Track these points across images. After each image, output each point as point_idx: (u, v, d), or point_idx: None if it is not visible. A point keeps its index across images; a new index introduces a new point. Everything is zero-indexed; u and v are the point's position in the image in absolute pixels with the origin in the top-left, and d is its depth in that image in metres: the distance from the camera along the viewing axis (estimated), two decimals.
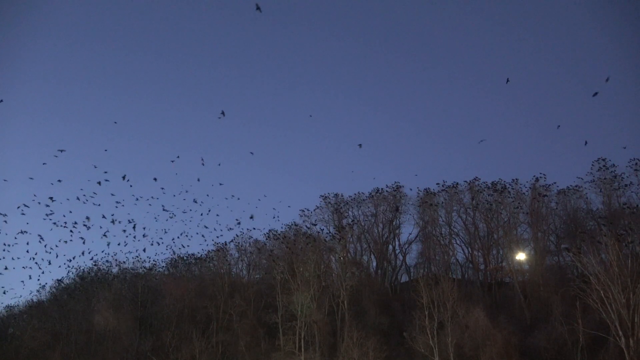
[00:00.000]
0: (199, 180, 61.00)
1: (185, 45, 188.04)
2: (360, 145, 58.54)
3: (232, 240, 72.39)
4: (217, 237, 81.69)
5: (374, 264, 74.27)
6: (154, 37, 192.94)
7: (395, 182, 73.59)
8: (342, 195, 74.95)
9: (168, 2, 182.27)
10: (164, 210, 63.79)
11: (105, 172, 55.65)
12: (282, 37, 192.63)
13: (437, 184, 71.02)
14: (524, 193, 65.91)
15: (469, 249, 69.69)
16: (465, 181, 69.56)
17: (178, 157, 61.67)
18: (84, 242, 63.14)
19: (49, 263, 70.88)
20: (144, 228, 67.46)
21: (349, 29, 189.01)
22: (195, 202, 64.71)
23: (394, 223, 74.18)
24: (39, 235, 62.74)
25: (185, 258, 76.96)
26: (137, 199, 61.85)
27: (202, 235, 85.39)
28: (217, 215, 68.57)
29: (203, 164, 57.07)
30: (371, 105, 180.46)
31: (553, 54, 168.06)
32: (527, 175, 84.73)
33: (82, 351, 65.76)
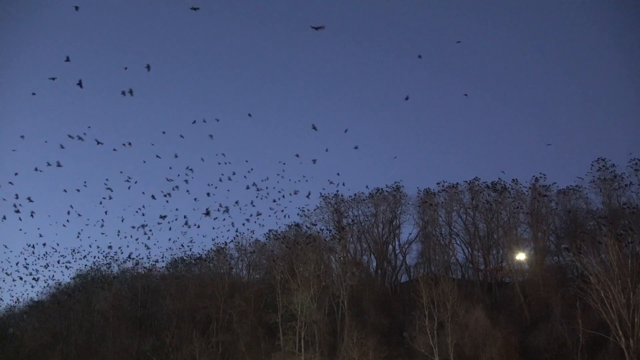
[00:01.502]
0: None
1: (191, 50, 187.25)
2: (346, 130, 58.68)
3: (232, 240, 72.44)
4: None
5: (374, 264, 74.31)
6: (157, 38, 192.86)
7: (395, 182, 73.70)
8: (342, 195, 74.99)
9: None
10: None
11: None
12: (281, 39, 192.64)
13: (437, 184, 71.13)
14: (524, 193, 65.97)
15: (469, 249, 69.69)
16: (465, 181, 69.62)
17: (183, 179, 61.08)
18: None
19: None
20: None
21: (349, 29, 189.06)
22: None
23: (394, 223, 74.21)
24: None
25: (185, 258, 76.94)
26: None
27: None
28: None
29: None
30: (371, 105, 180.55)
31: (553, 54, 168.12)
32: (527, 175, 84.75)
33: (82, 351, 65.76)
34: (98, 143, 46.55)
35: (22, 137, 47.22)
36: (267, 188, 62.80)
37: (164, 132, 54.87)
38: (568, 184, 65.91)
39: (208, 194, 60.89)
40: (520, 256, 62.33)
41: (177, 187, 56.64)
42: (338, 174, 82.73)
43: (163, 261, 78.77)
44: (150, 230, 66.65)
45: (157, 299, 69.42)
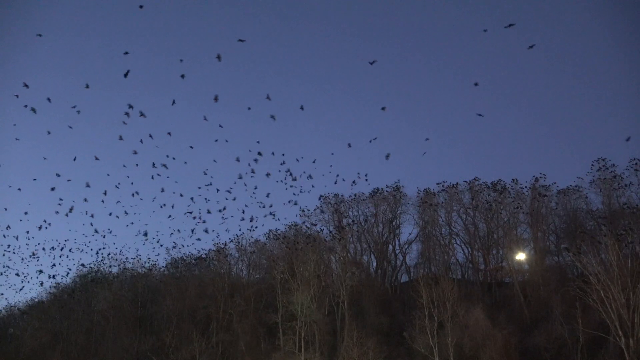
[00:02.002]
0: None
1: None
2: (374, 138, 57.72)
3: (232, 241, 72.50)
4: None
5: (374, 264, 74.36)
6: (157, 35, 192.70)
7: (395, 182, 73.71)
8: (342, 196, 75.00)
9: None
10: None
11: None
12: (282, 34, 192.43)
13: (437, 184, 71.14)
14: (524, 193, 66.02)
15: (469, 249, 69.71)
16: (465, 181, 69.71)
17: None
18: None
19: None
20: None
21: (351, 27, 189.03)
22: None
23: (394, 223, 74.22)
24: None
25: (185, 258, 76.96)
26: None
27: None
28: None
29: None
30: (371, 104, 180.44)
31: (553, 54, 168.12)
32: (527, 175, 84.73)
33: (82, 351, 65.79)
34: (141, 115, 46.33)
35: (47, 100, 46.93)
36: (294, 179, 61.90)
37: (205, 119, 53.01)
38: (568, 184, 66.15)
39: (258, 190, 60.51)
40: (520, 256, 62.31)
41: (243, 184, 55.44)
42: (366, 174, 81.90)
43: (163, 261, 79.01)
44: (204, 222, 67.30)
45: (157, 299, 69.38)
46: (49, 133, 50.61)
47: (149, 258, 78.59)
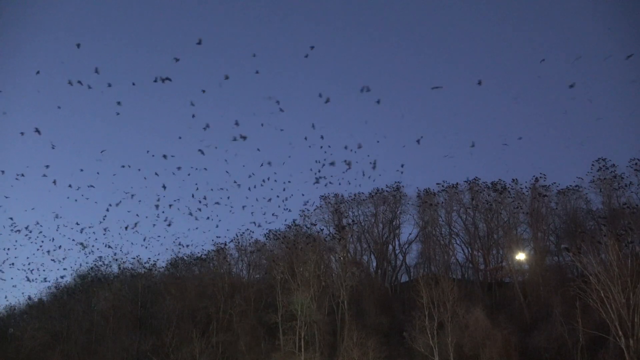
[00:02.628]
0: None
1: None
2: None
3: (232, 240, 72.57)
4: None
5: (374, 264, 74.39)
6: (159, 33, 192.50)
7: (396, 182, 73.71)
8: (342, 196, 75.02)
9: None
10: None
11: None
12: (280, 28, 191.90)
13: (437, 184, 71.15)
14: (524, 193, 66.04)
15: (469, 249, 69.75)
16: (465, 181, 69.70)
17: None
18: None
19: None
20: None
21: (352, 24, 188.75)
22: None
23: (394, 223, 74.26)
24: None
25: (185, 258, 77.00)
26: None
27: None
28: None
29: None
30: (371, 103, 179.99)
31: (553, 54, 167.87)
32: (527, 175, 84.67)
33: (82, 351, 65.71)
34: (226, 78, 46.32)
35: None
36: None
37: (278, 103, 51.13)
38: (568, 184, 66.10)
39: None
40: (520, 256, 62.35)
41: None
42: (402, 165, 79.83)
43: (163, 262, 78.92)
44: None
45: (157, 299, 69.40)
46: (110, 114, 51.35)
47: (150, 259, 78.47)
